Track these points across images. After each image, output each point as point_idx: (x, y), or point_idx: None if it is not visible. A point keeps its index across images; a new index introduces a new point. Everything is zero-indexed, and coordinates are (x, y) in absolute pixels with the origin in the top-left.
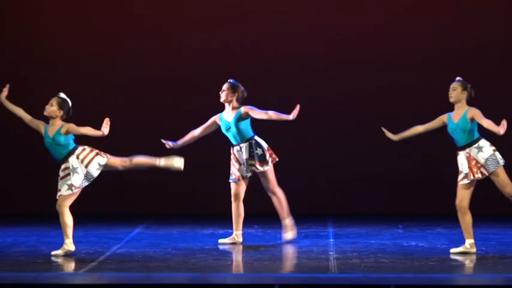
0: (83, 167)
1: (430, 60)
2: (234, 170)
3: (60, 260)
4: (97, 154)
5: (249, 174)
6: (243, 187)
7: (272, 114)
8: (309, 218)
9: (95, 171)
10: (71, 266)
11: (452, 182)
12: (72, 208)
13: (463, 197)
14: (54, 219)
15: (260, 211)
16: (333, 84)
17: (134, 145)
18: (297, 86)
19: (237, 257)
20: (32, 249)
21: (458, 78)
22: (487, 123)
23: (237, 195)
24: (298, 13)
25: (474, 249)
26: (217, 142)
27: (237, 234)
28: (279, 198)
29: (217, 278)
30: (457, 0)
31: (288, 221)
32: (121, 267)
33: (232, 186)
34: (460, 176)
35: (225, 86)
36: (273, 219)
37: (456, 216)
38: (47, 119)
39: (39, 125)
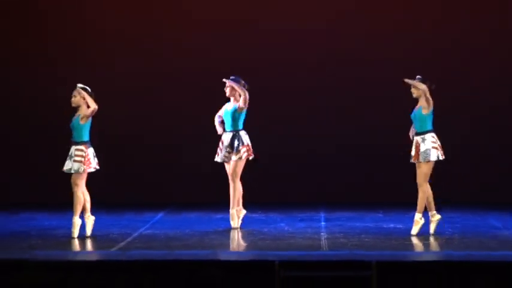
0: (72, 159)
1: (426, 61)
2: (219, 152)
3: (95, 240)
4: (82, 162)
5: (225, 160)
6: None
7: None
8: (304, 204)
9: (66, 166)
10: (104, 245)
11: None
12: (107, 197)
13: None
14: (93, 205)
15: (263, 199)
16: (331, 82)
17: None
18: (297, 81)
19: (244, 237)
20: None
21: (418, 76)
22: (422, 89)
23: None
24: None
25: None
26: None
27: (238, 209)
28: (235, 189)
29: (227, 255)
30: None
31: (236, 210)
32: (147, 246)
33: (226, 166)
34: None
35: (227, 83)
36: (273, 205)
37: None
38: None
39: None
